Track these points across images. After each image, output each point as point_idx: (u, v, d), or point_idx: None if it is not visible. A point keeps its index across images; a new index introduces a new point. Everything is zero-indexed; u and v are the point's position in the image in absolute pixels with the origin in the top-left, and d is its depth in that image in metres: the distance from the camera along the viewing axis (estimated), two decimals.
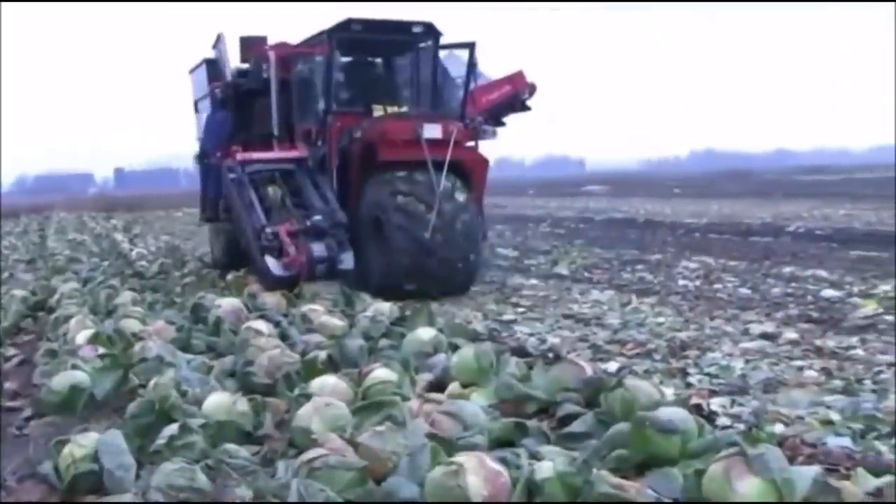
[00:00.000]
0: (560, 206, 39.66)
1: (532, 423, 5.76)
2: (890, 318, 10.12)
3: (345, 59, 14.74)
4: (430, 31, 13.97)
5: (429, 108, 14.41)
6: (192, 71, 17.92)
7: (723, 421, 6.10)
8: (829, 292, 11.98)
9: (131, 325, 9.28)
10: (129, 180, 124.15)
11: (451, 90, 15.01)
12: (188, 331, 9.33)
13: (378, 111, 14.16)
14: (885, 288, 12.15)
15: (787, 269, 14.67)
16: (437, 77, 14.53)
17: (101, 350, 7.95)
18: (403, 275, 12.63)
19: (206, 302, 10.65)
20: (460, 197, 13.06)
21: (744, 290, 12.60)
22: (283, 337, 8.75)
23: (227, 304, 10.20)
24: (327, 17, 17.11)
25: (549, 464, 4.60)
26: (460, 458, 4.57)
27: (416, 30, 13.94)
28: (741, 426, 5.90)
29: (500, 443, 5.40)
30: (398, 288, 12.44)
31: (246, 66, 15.98)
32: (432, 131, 13.21)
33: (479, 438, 5.27)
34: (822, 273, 14.04)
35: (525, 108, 16.55)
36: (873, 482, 4.61)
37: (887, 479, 4.64)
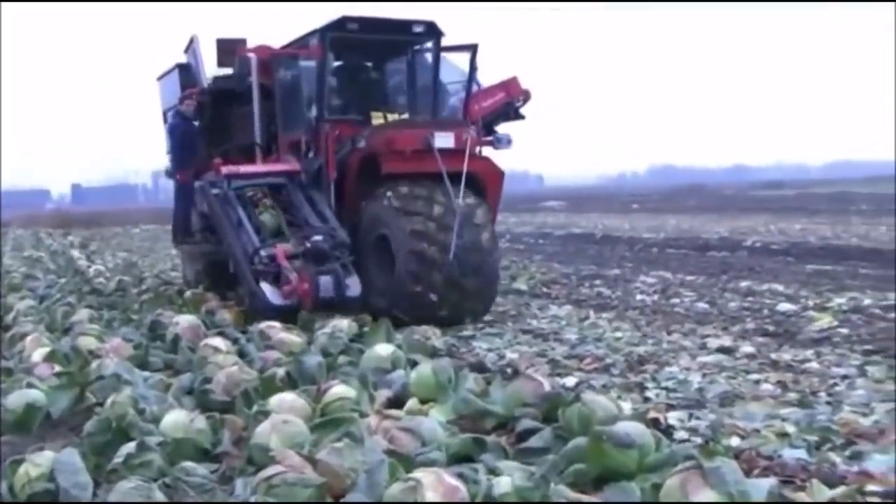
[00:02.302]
0: (519, 222, 39.73)
1: (490, 439, 5.77)
2: (844, 331, 10.24)
3: (339, 62, 13.53)
4: (432, 30, 12.85)
5: (429, 115, 13.29)
6: (160, 78, 16.68)
7: (680, 435, 6.15)
8: (784, 306, 12.09)
9: (88, 342, 9.20)
10: (87, 196, 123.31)
11: (443, 97, 13.92)
12: (146, 348, 9.26)
13: (377, 118, 13.05)
14: (839, 301, 12.30)
15: (743, 284, 14.79)
16: (438, 81, 13.42)
17: (58, 368, 7.89)
18: (416, 301, 11.39)
19: (164, 319, 10.60)
20: (478, 213, 11.82)
21: (701, 305, 12.69)
22: (241, 354, 8.70)
23: (184, 322, 10.15)
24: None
25: (508, 479, 4.62)
26: (418, 473, 4.58)
27: (417, 29, 12.80)
28: (698, 440, 5.96)
29: (458, 458, 5.39)
30: (408, 315, 11.23)
31: (227, 71, 14.73)
32: (445, 140, 11.97)
33: (437, 454, 5.27)
34: (779, 287, 14.16)
35: (519, 116, 15.39)
36: (828, 493, 4.66)
37: (841, 490, 4.69)
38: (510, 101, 15.12)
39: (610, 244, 25.35)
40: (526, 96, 15.31)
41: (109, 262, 23.67)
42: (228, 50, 14.44)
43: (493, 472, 4.94)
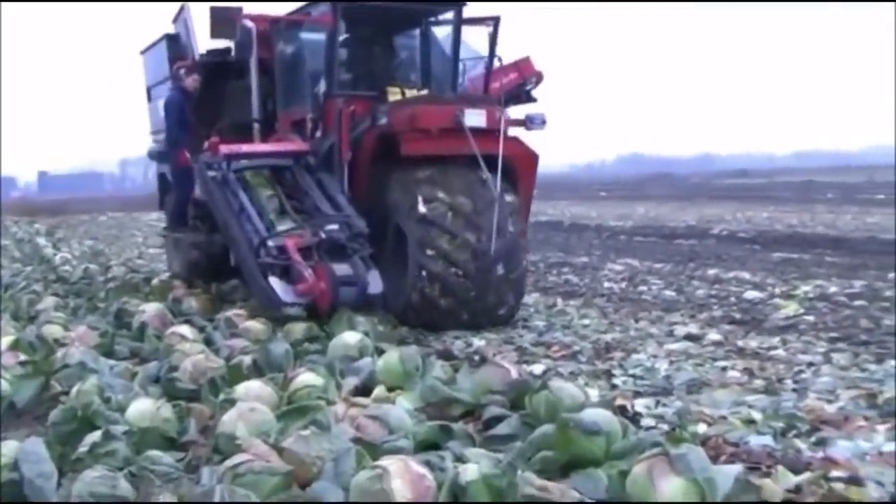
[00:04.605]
0: None
1: (457, 426, 5.77)
2: (810, 318, 10.31)
3: (350, 32, 12.08)
4: None
5: (449, 91, 12.06)
6: (145, 51, 15.40)
7: (647, 422, 6.18)
8: (751, 294, 12.15)
9: (53, 330, 9.17)
10: (53, 184, 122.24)
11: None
12: (112, 336, 9.21)
13: (394, 94, 11.67)
14: (805, 289, 12.37)
15: (710, 272, 14.85)
16: (458, 54, 12.23)
17: (22, 357, 7.84)
18: (441, 304, 10.17)
19: (131, 307, 10.57)
20: (513, 204, 10.65)
21: (668, 293, 12.74)
22: (208, 342, 8.68)
23: (151, 309, 10.12)
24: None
25: (474, 466, 4.61)
26: (385, 461, 4.57)
27: None
28: (665, 427, 5.98)
29: (425, 446, 5.39)
30: (426, 319, 10.27)
31: (226, 42, 13.27)
32: (476, 118, 10.54)
33: (404, 442, 5.27)
34: (745, 275, 14.24)
35: (531, 98, 14.19)
36: (793, 479, 4.68)
37: (807, 476, 4.72)
38: (522, 83, 14.10)
39: (578, 232, 25.40)
40: (539, 78, 14.33)
41: (76, 250, 23.48)
42: (223, 19, 12.55)
43: (460, 459, 4.95)
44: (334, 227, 10.39)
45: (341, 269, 9.95)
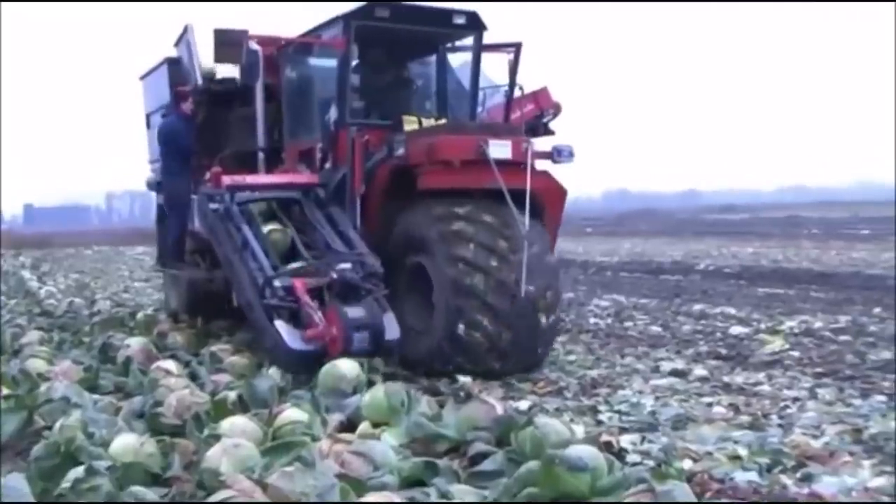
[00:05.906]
0: None
1: (443, 463, 5.75)
2: (795, 353, 10.33)
3: (363, 56, 11.52)
4: (474, 23, 11.10)
5: (468, 121, 11.39)
6: (144, 76, 14.86)
7: (633, 458, 6.16)
8: (737, 329, 12.18)
9: (37, 364, 9.10)
10: (39, 217, 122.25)
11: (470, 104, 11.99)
12: (96, 371, 9.14)
13: (410, 123, 10.97)
14: (790, 324, 12.42)
15: (696, 307, 14.88)
16: (478, 82, 11.67)
17: (6, 391, 7.80)
18: (466, 349, 9.39)
19: (116, 341, 10.50)
20: (543, 240, 10.00)
21: (654, 328, 12.75)
22: (193, 377, 8.63)
23: (136, 344, 10.05)
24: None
25: (460, 503, 4.59)
26: (370, 498, 4.56)
27: (458, 21, 11.01)
28: (651, 463, 5.96)
29: (410, 482, 5.37)
30: (454, 365, 9.45)
31: (233, 67, 12.15)
32: (501, 150, 9.79)
33: (389, 478, 5.25)
34: (731, 310, 14.27)
35: (548, 131, 13.48)
36: None
37: None
38: (540, 115, 13.38)
39: (564, 267, 25.28)
40: (556, 109, 13.62)
41: (61, 284, 23.39)
42: (228, 42, 11.39)
43: (446, 495, 4.93)
44: (346, 266, 9.56)
45: (355, 312, 9.00)
